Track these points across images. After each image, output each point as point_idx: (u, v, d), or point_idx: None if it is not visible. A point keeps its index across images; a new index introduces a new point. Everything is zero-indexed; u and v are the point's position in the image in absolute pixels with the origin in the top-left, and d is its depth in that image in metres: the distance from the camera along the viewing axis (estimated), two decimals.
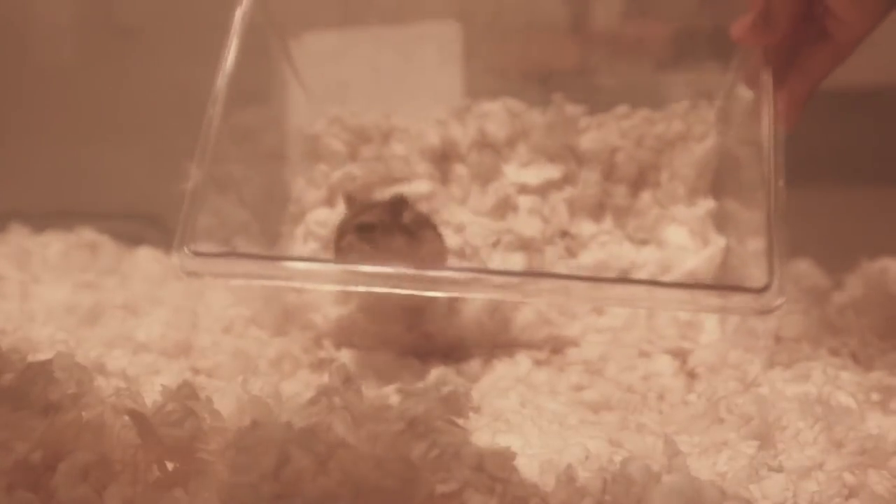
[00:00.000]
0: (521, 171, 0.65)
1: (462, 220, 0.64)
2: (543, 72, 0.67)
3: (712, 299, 0.44)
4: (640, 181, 0.65)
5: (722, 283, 0.59)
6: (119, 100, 0.97)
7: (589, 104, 0.65)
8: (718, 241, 0.62)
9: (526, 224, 0.62)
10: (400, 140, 0.68)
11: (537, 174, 0.64)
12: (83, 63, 1.01)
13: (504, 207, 0.64)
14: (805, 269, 0.75)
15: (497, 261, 0.62)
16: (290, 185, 0.68)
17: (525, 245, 0.62)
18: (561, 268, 0.62)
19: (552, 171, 0.64)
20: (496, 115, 0.66)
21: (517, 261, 0.62)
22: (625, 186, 0.65)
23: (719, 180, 0.64)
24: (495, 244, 0.63)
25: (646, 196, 0.64)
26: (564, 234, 0.63)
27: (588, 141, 0.64)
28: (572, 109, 0.65)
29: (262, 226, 0.66)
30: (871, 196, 0.82)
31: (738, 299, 0.44)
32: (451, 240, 0.62)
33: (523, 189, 0.64)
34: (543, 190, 0.63)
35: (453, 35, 0.68)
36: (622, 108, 0.64)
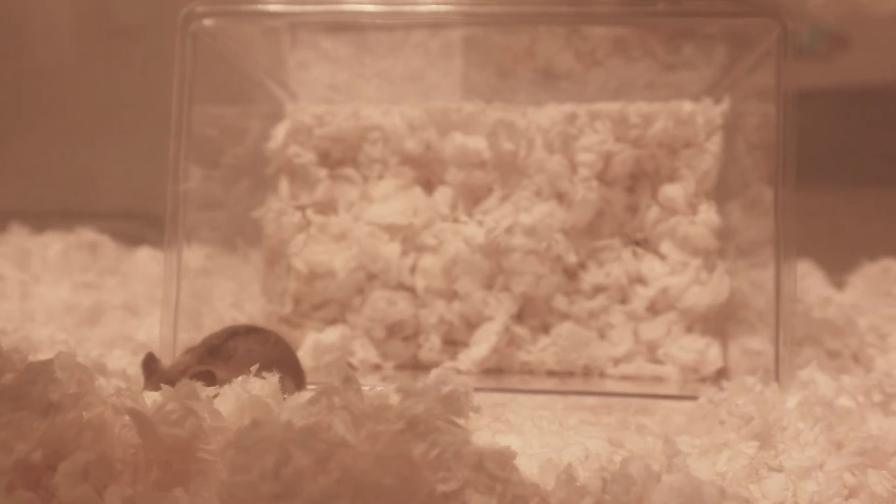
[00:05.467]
0: (511, 204, 0.63)
1: (452, 251, 0.62)
2: (543, 72, 0.67)
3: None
4: (639, 185, 0.64)
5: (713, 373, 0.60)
6: (119, 100, 0.97)
7: (588, 104, 0.64)
8: (723, 281, 0.61)
9: (521, 264, 0.61)
10: (374, 143, 0.65)
11: (530, 210, 0.62)
12: (83, 63, 1.01)
13: (496, 242, 0.61)
14: (806, 269, 0.75)
15: (492, 305, 0.61)
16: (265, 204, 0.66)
17: (521, 295, 0.62)
18: (559, 301, 0.62)
19: (548, 205, 0.62)
20: (477, 126, 0.64)
21: (509, 305, 0.61)
22: (624, 192, 0.64)
23: (722, 185, 0.63)
24: (490, 288, 0.62)
25: (645, 201, 0.64)
26: (560, 258, 0.62)
27: (585, 145, 0.63)
28: (571, 110, 0.64)
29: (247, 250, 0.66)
30: (872, 196, 0.82)
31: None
32: (440, 280, 0.62)
33: (516, 224, 0.62)
34: (539, 221, 0.61)
35: (453, 35, 0.67)
36: (622, 109, 0.63)
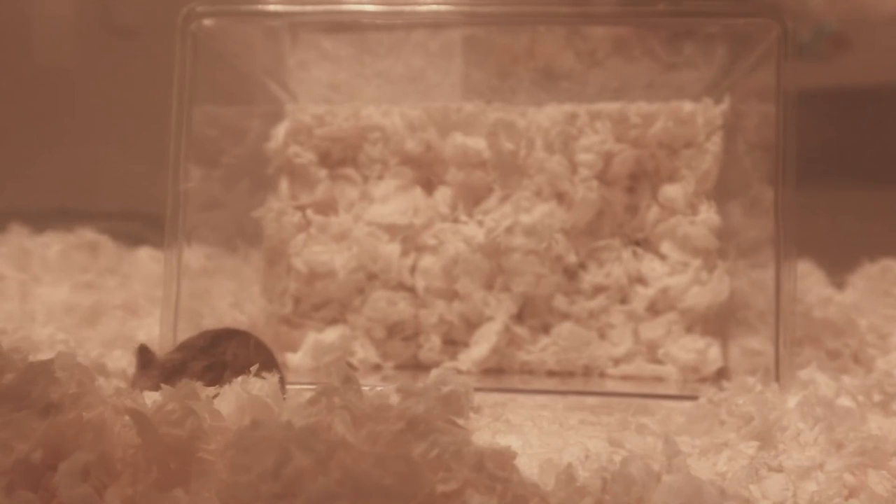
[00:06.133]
0: (511, 204, 0.63)
1: (452, 251, 0.62)
2: (543, 72, 0.66)
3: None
4: (639, 185, 0.64)
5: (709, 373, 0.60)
6: (119, 100, 0.97)
7: (588, 105, 0.64)
8: (723, 281, 0.61)
9: (521, 264, 0.61)
10: (374, 143, 0.65)
11: (530, 210, 0.62)
12: (83, 63, 1.01)
13: (496, 242, 0.61)
14: (806, 269, 0.75)
15: (492, 305, 0.61)
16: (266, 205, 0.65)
17: (521, 295, 0.62)
18: (559, 301, 0.62)
19: (548, 205, 0.62)
20: (478, 126, 0.63)
21: (510, 305, 0.61)
22: (623, 192, 0.64)
23: (722, 185, 0.63)
24: (490, 288, 0.62)
25: (645, 201, 0.64)
26: (560, 258, 0.62)
27: (585, 145, 0.63)
28: (571, 110, 0.64)
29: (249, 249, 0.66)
30: (872, 196, 0.82)
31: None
32: (440, 280, 0.62)
33: (516, 224, 0.61)
34: (539, 221, 0.61)
35: (453, 35, 0.67)
36: (622, 109, 0.63)
